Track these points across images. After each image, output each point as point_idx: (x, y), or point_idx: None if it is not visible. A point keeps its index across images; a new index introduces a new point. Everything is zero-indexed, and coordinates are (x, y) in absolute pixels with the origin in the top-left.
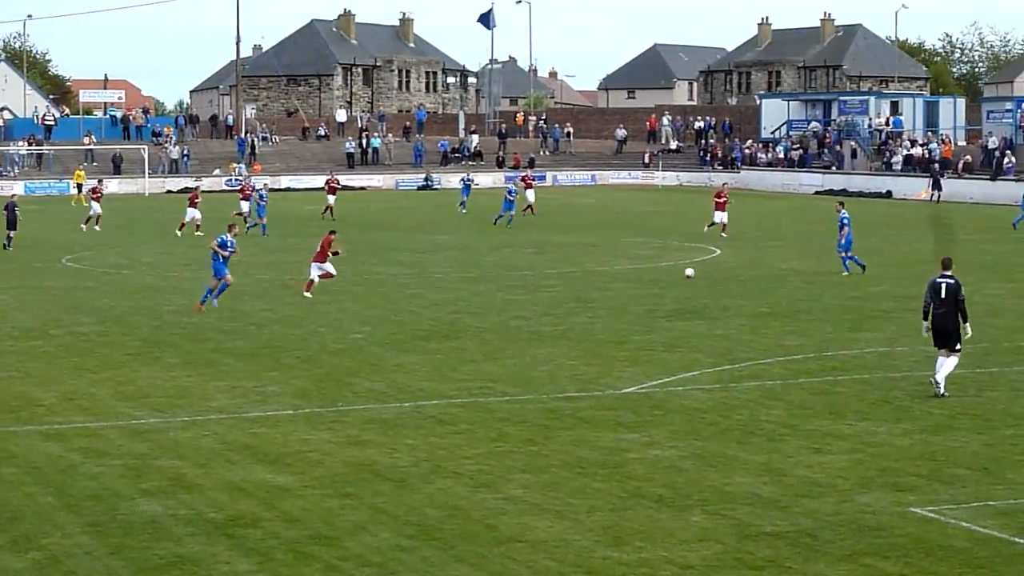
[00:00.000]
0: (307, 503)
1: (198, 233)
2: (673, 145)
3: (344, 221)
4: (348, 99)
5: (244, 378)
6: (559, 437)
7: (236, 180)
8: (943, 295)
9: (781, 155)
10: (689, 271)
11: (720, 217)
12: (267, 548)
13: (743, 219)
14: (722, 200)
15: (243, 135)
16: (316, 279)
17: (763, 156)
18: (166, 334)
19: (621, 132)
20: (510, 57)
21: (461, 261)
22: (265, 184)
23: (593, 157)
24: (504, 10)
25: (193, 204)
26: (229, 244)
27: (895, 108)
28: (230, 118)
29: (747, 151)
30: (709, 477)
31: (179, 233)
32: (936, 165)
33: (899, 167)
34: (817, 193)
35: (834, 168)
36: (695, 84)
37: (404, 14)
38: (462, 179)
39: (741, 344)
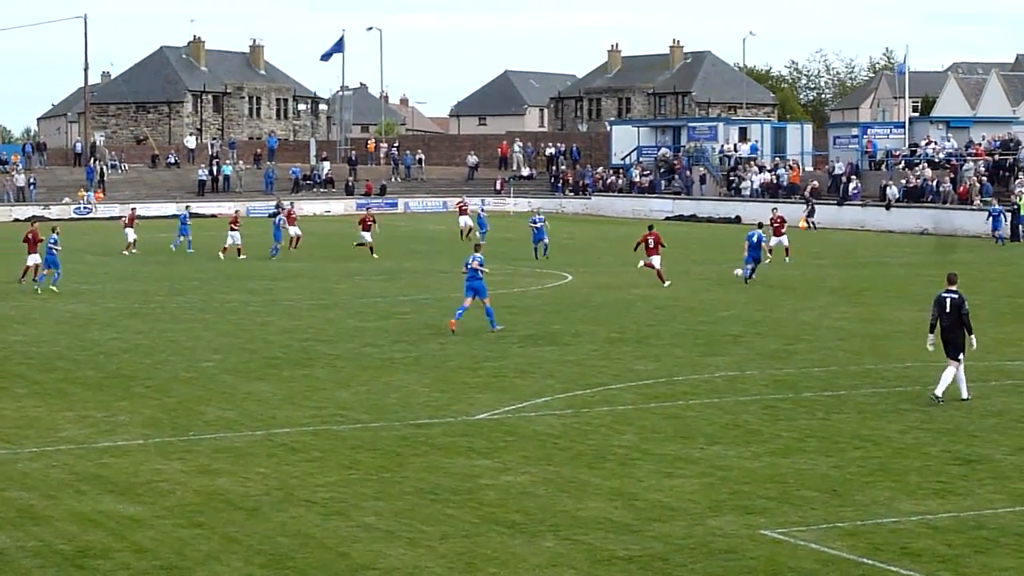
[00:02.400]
0: (158, 533)
1: (242, 257)
2: (525, 172)
3: (194, 248)
4: (198, 126)
5: (93, 408)
6: (412, 464)
7: (86, 208)
8: (948, 309)
9: (636, 179)
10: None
11: (779, 241)
12: None
13: (594, 245)
14: (777, 225)
15: (92, 163)
16: (643, 264)
17: (615, 181)
18: (14, 364)
19: (472, 159)
20: (361, 84)
21: (312, 288)
22: (279, 206)
23: (445, 184)
24: (354, 37)
25: (233, 228)
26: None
27: (743, 134)
28: (78, 145)
29: (597, 177)
30: (561, 502)
31: (222, 256)
32: (808, 193)
33: (748, 193)
34: (668, 219)
35: (684, 194)
36: (546, 111)
37: (254, 41)
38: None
39: (593, 369)
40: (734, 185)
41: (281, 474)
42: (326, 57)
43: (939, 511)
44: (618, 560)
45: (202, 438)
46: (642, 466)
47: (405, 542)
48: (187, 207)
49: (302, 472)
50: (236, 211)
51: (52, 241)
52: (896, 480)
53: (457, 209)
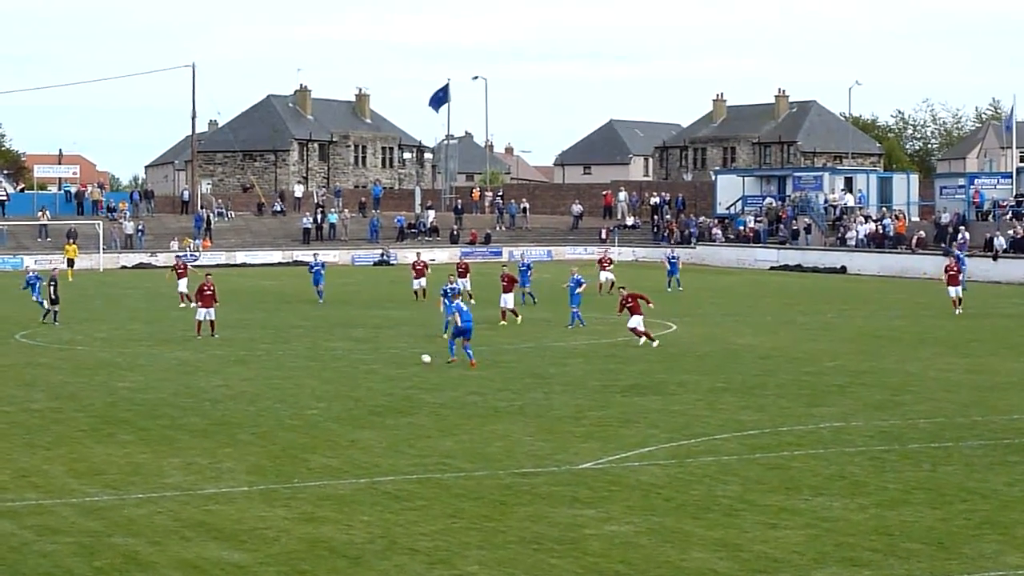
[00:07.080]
0: None
1: (182, 305)
2: (629, 221)
3: (300, 296)
4: (304, 174)
5: (199, 455)
6: (515, 513)
7: (191, 255)
8: None
9: (750, 226)
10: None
11: (954, 292)
12: None
13: (698, 295)
14: (952, 274)
15: (199, 210)
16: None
17: (719, 232)
18: (120, 411)
19: (577, 207)
20: (466, 133)
21: (416, 336)
22: (315, 255)
23: (549, 232)
24: (460, 86)
25: (181, 276)
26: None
27: (849, 184)
28: (186, 193)
29: (703, 226)
30: (665, 553)
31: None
32: (956, 245)
33: (853, 243)
34: (772, 268)
35: (789, 244)
36: (650, 160)
37: (360, 90)
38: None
39: (697, 419)
40: (839, 235)
41: (385, 522)
42: (435, 103)
43: None
44: None
45: (306, 485)
46: (746, 517)
47: None
48: (315, 255)
49: (406, 520)
50: (178, 258)
51: (455, 291)
52: (1003, 533)
53: (599, 265)
